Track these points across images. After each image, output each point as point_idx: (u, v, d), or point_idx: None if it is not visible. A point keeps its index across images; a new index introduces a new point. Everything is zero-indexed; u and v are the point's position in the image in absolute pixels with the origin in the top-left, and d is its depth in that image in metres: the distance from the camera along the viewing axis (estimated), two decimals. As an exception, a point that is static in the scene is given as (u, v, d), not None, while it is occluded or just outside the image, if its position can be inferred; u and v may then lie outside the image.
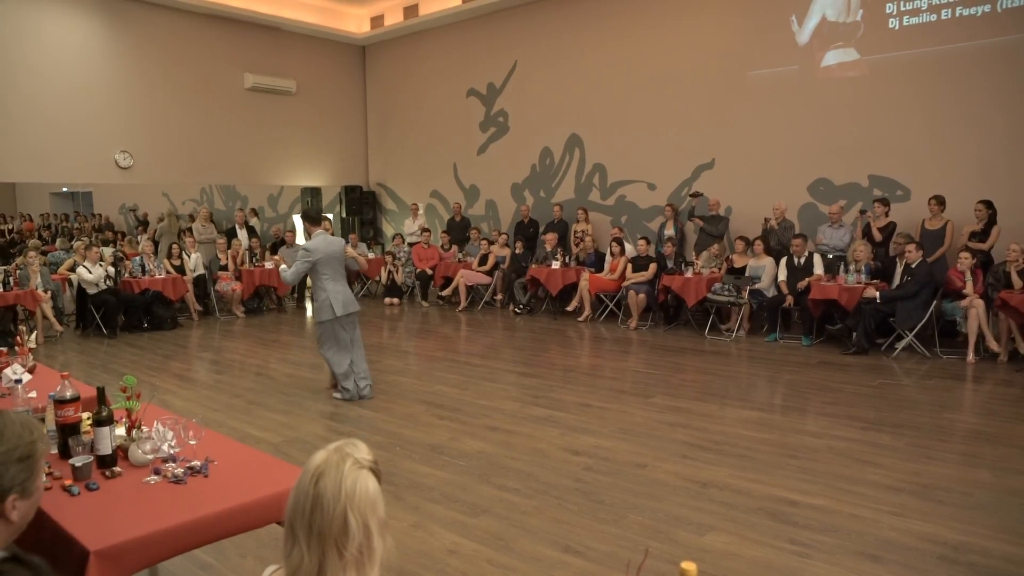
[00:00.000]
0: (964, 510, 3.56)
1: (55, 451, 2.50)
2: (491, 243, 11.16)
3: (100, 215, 18.57)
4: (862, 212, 8.35)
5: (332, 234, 5.97)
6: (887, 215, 8.03)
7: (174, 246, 10.25)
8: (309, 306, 11.63)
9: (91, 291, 9.01)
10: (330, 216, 14.46)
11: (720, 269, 8.72)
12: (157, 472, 2.35)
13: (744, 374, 6.65)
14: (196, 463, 2.39)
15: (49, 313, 8.74)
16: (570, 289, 9.91)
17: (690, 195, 9.60)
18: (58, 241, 13.58)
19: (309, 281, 5.98)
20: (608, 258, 9.71)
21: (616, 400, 5.75)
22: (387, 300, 11.54)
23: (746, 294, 8.16)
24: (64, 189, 20.48)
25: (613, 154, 10.82)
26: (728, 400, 5.69)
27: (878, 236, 7.97)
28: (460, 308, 10.71)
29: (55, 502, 2.14)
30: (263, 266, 10.80)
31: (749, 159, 9.47)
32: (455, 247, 11.62)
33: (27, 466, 1.40)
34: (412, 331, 9.37)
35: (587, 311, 9.65)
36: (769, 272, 8.21)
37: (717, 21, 9.62)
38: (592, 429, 4.98)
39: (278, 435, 5.01)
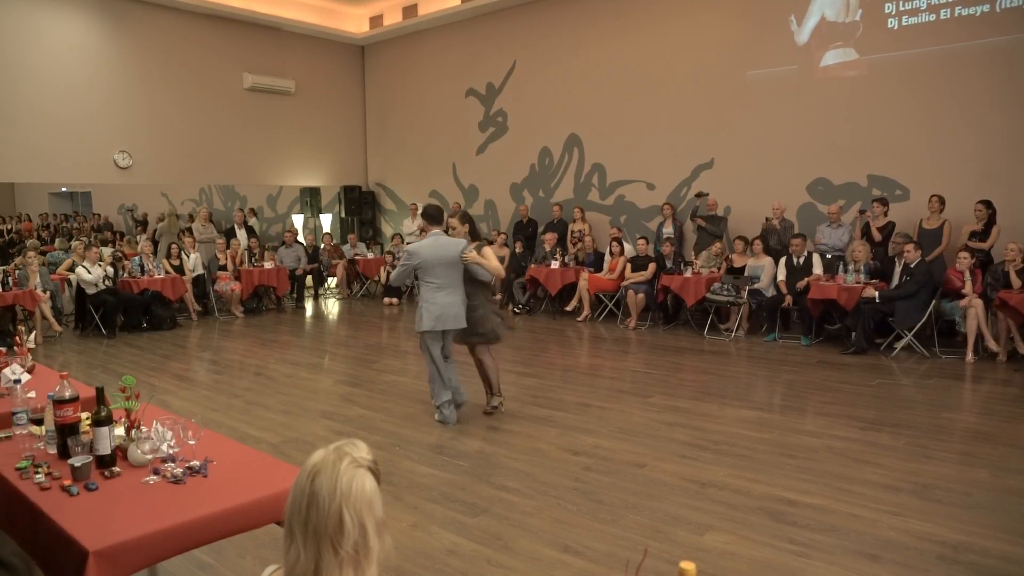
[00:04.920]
0: (963, 509, 3.56)
1: (54, 451, 2.50)
2: (490, 243, 11.14)
3: (99, 215, 18.56)
4: (861, 212, 8.36)
5: (461, 235, 5.21)
6: (886, 215, 8.03)
7: (173, 246, 10.24)
8: (309, 307, 11.64)
9: (90, 291, 9.00)
10: (328, 216, 14.49)
11: (719, 269, 8.72)
12: (156, 472, 2.35)
13: (743, 374, 6.65)
14: (195, 463, 2.39)
15: (48, 313, 8.73)
16: (569, 289, 9.91)
17: (696, 195, 9.60)
18: (57, 241, 13.56)
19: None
20: (607, 258, 9.72)
21: (615, 400, 5.75)
22: (386, 300, 11.54)
23: (745, 294, 8.16)
24: (63, 189, 20.46)
25: (612, 154, 10.82)
26: (727, 400, 5.69)
27: (877, 236, 7.97)
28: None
29: (54, 502, 2.13)
30: (262, 266, 10.80)
31: (748, 159, 9.47)
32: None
33: None
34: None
35: (586, 311, 9.64)
36: (768, 272, 8.21)
37: (716, 21, 9.62)
38: (591, 429, 4.98)
39: (277, 435, 5.00)
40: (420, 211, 5.20)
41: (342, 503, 1.23)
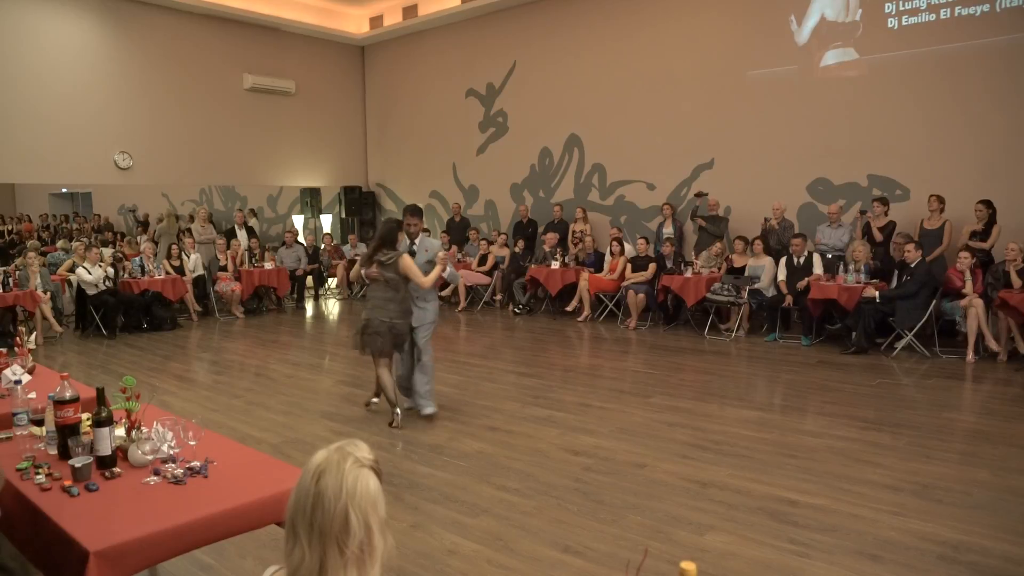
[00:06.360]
0: (964, 509, 3.56)
1: (55, 452, 2.50)
2: (490, 243, 11.16)
3: (99, 216, 18.56)
4: (862, 212, 8.36)
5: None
6: (886, 215, 8.03)
7: (173, 247, 10.23)
8: (309, 307, 11.64)
9: (90, 292, 9.01)
10: (328, 217, 14.50)
11: (719, 269, 8.72)
12: (157, 473, 2.34)
13: (743, 374, 6.65)
14: (195, 464, 2.38)
15: (48, 314, 8.73)
16: (569, 289, 9.91)
17: (696, 195, 9.60)
18: (58, 242, 13.56)
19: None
20: (607, 258, 9.72)
21: (615, 400, 5.75)
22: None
23: (745, 294, 8.15)
24: (63, 190, 20.46)
25: (612, 154, 10.82)
26: (727, 400, 5.69)
27: (878, 236, 7.97)
28: (459, 308, 10.71)
29: (54, 503, 2.13)
30: (262, 266, 10.80)
31: (748, 159, 9.47)
32: (454, 247, 11.62)
33: None
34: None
35: (586, 311, 9.64)
36: (768, 272, 8.21)
37: (716, 21, 9.62)
38: (592, 429, 4.98)
39: (277, 436, 5.00)
40: (413, 208, 5.50)
41: (347, 503, 1.24)
